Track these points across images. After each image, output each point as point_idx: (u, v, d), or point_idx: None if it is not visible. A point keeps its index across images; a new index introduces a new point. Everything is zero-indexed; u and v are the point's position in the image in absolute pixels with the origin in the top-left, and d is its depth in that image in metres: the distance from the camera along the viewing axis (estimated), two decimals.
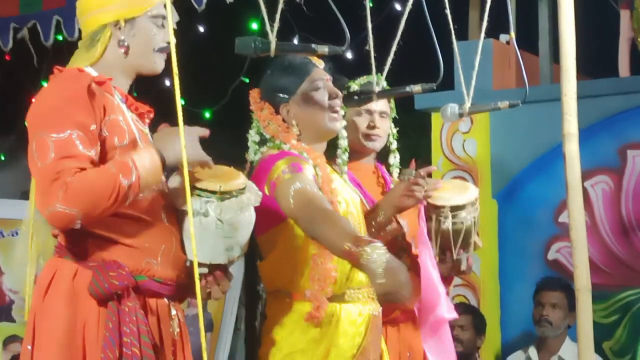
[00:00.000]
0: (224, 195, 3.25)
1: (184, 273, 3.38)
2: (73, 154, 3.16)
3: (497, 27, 4.57)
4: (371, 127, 4.17)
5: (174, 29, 3.22)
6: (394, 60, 3.76)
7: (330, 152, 4.02)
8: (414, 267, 4.02)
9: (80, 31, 3.52)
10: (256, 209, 3.57)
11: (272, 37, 3.43)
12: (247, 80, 5.86)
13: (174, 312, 3.40)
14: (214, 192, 3.26)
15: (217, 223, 3.26)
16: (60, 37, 5.88)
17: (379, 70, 3.83)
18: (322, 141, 3.79)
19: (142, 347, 3.20)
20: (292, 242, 3.64)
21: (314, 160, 3.66)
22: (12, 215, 5.88)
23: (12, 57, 5.84)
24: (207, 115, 6.75)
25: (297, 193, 3.50)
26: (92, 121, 3.22)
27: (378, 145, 4.25)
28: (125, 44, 3.38)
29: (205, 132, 3.30)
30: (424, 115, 6.00)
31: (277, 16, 3.44)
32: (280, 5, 3.48)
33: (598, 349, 4.93)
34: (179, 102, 2.96)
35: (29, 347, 3.30)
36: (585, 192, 4.31)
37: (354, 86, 4.13)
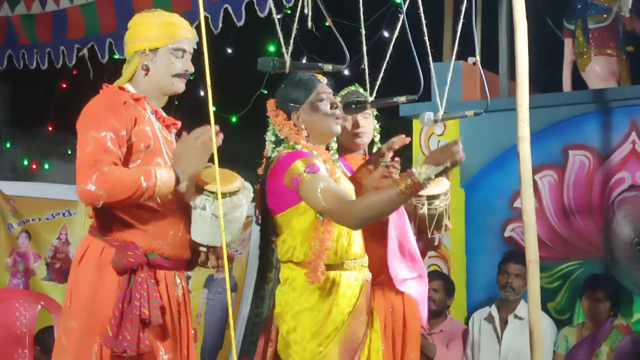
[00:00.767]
0: (216, 195, 3.30)
1: (188, 251, 3.47)
2: (106, 150, 3.24)
3: (465, 51, 4.57)
4: (356, 126, 4.17)
5: (198, 50, 3.26)
6: (384, 76, 3.76)
7: None
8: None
9: None
10: (274, 194, 3.63)
11: (287, 57, 3.42)
12: (266, 92, 5.85)
13: (178, 280, 3.47)
14: (212, 192, 3.33)
15: (212, 216, 3.35)
16: (115, 56, 5.86)
17: (372, 84, 3.82)
18: (325, 141, 3.78)
19: (151, 308, 3.26)
20: (302, 221, 3.63)
21: (322, 156, 3.67)
22: (75, 198, 5.88)
23: (78, 72, 5.83)
24: (234, 119, 6.71)
25: (324, 192, 3.50)
26: (122, 128, 3.29)
27: (365, 140, 4.23)
28: (147, 67, 3.44)
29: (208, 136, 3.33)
30: (407, 121, 5.99)
31: (291, 41, 3.44)
32: (294, 32, 3.48)
33: (544, 308, 4.95)
34: (211, 108, 2.97)
35: (68, 304, 3.38)
36: (534, 183, 4.32)
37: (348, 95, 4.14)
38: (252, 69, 3.57)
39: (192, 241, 3.46)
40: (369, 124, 4.20)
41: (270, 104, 3.77)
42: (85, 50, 5.93)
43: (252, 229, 6.28)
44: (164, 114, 3.53)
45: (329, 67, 3.58)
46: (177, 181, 3.30)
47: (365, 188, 3.99)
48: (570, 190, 5.72)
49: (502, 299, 5.52)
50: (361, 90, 4.06)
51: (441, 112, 3.92)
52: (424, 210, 4.00)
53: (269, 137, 3.75)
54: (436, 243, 4.22)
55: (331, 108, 3.72)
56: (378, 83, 3.82)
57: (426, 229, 4.07)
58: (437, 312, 5.54)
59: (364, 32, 3.65)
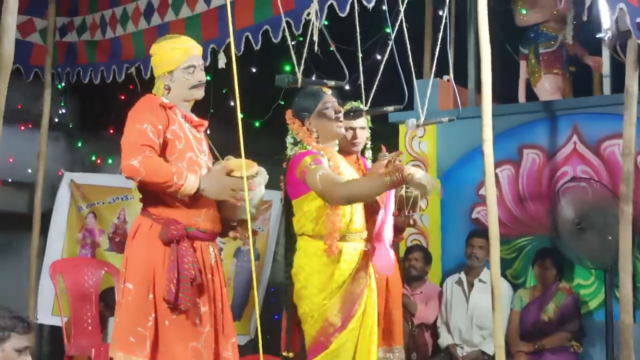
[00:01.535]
0: (241, 179, 3.33)
1: (218, 225, 3.50)
2: (147, 138, 3.28)
3: (441, 70, 4.57)
4: (355, 137, 4.17)
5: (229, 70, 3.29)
6: (376, 90, 3.78)
7: None
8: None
9: None
10: (290, 185, 3.69)
11: (299, 75, 3.46)
12: (282, 102, 5.85)
13: (211, 249, 3.49)
14: (237, 177, 3.35)
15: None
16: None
17: (367, 96, 3.84)
18: (332, 141, 3.81)
19: (193, 270, 3.30)
20: (311, 206, 3.66)
21: (327, 154, 3.70)
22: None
23: (133, 87, 5.87)
24: (257, 124, 6.70)
25: (322, 177, 3.55)
26: (159, 123, 3.35)
27: (359, 148, 4.23)
28: (168, 87, 3.49)
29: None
30: (395, 126, 5.98)
31: (302, 62, 3.47)
32: (304, 55, 3.51)
33: (503, 274, 4.94)
34: (239, 115, 3.00)
35: (124, 270, 3.42)
36: (496, 176, 4.33)
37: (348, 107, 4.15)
38: (271, 84, 3.61)
39: (222, 217, 3.50)
40: (363, 136, 4.22)
41: (288, 114, 3.81)
42: (133, 69, 5.95)
43: (271, 211, 6.31)
44: (193, 117, 3.56)
45: (332, 83, 3.64)
46: (198, 191, 3.31)
47: (369, 172, 4.02)
48: (524, 181, 5.73)
49: (469, 266, 5.53)
50: (361, 105, 4.07)
51: (422, 119, 3.94)
52: (402, 192, 4.02)
53: (289, 139, 3.80)
54: (411, 222, 4.22)
55: (335, 114, 3.75)
56: (371, 95, 3.85)
57: (403, 208, 4.10)
58: (418, 277, 5.57)
59: (360, 55, 3.68)
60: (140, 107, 3.41)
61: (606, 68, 5.77)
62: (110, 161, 7.68)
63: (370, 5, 4.09)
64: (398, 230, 4.17)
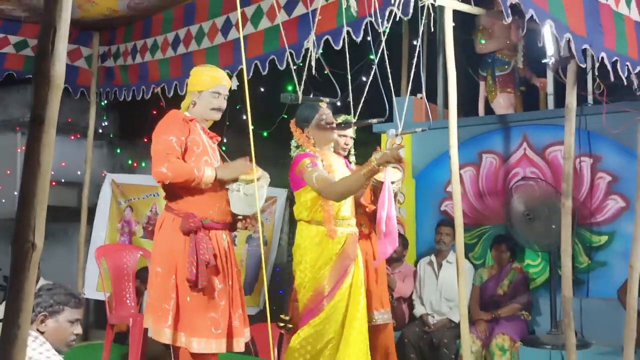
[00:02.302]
0: (247, 181, 3.35)
1: (229, 217, 3.52)
2: (172, 148, 3.32)
3: (415, 89, 4.58)
4: (345, 144, 4.18)
5: (241, 90, 3.30)
6: (362, 106, 3.78)
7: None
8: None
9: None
10: (292, 180, 3.71)
11: (300, 94, 3.46)
12: (286, 116, 5.86)
13: (224, 236, 3.52)
14: (243, 180, 3.38)
15: (244, 195, 3.40)
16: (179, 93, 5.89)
17: (355, 111, 3.84)
18: (327, 146, 3.83)
19: (208, 255, 3.32)
20: (307, 197, 3.69)
21: (322, 156, 3.71)
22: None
23: (164, 103, 5.85)
24: (265, 134, 6.71)
25: (317, 178, 3.57)
26: (182, 135, 3.38)
27: (346, 152, 4.26)
28: (195, 102, 3.48)
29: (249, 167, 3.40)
30: (377, 135, 5.99)
31: (302, 82, 3.47)
32: (304, 78, 3.51)
33: (466, 256, 4.97)
34: (250, 127, 3.00)
35: (153, 256, 3.46)
36: (460, 175, 4.33)
37: (340, 119, 4.16)
38: (276, 101, 3.61)
39: (231, 212, 3.50)
40: (351, 143, 4.25)
41: (292, 123, 3.85)
42: (158, 89, 5.95)
43: (276, 205, 6.31)
44: (209, 131, 3.59)
45: (326, 99, 3.64)
46: (215, 177, 3.35)
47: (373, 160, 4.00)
48: (483, 180, 5.74)
49: (438, 250, 5.53)
50: (349, 118, 4.08)
51: (400, 129, 3.94)
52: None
53: (293, 143, 3.84)
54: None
55: (329, 124, 3.76)
56: (359, 110, 3.85)
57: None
58: (397, 259, 5.57)
59: (349, 77, 3.67)
60: (166, 121, 3.44)
61: (550, 87, 5.79)
62: (143, 164, 7.69)
63: (358, 40, 4.10)
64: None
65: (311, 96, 3.68)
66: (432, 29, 4.10)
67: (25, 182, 1.40)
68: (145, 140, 7.15)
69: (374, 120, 3.93)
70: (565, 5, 3.46)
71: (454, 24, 4.12)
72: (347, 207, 3.76)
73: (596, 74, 4.58)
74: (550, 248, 4.99)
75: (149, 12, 5.80)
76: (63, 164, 7.16)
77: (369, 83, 3.66)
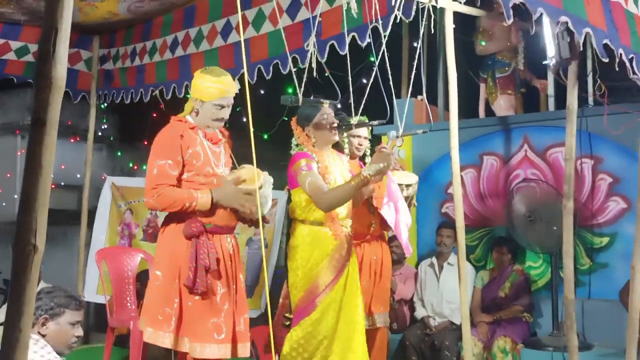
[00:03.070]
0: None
1: (234, 220, 3.48)
2: (166, 175, 3.28)
3: (416, 91, 4.58)
4: (358, 144, 4.21)
5: (242, 93, 3.29)
6: (363, 108, 3.78)
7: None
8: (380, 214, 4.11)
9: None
10: (288, 178, 3.73)
11: (300, 96, 3.45)
12: (286, 119, 5.86)
13: (229, 239, 3.48)
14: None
15: None
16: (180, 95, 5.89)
17: (356, 113, 3.84)
18: (327, 146, 3.82)
19: (209, 259, 3.30)
20: (301, 196, 3.68)
21: (318, 157, 3.71)
22: None
23: (164, 106, 5.86)
24: (265, 136, 6.71)
25: (310, 184, 3.56)
26: (179, 154, 3.32)
27: (360, 153, 4.28)
28: (197, 110, 3.44)
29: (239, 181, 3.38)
30: (378, 136, 5.97)
31: (303, 84, 3.47)
32: (304, 80, 3.50)
33: (467, 258, 4.96)
34: (251, 129, 2.99)
35: (155, 260, 3.44)
36: (461, 177, 4.33)
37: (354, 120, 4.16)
38: (277, 103, 3.60)
39: (237, 215, 3.46)
40: (365, 143, 4.27)
41: (293, 121, 3.84)
42: (157, 92, 5.95)
43: (277, 208, 6.30)
44: (214, 134, 3.50)
45: (327, 101, 3.63)
46: (212, 202, 3.32)
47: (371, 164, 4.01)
48: (484, 182, 5.74)
49: (439, 252, 5.51)
50: (351, 120, 4.05)
51: (401, 131, 3.94)
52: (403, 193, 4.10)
53: (294, 141, 3.83)
54: None
55: (330, 125, 3.75)
56: (360, 112, 3.85)
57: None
58: (398, 261, 5.55)
59: (350, 79, 3.67)
60: (162, 139, 3.36)
61: (551, 89, 5.79)
62: (144, 167, 7.67)
63: (364, 45, 4.11)
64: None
65: (311, 98, 3.67)
66: (433, 31, 4.10)
67: (26, 184, 1.40)
68: (145, 143, 7.15)
69: (375, 122, 3.93)
70: (584, 0, 3.42)
71: (454, 26, 4.12)
72: (343, 207, 3.75)
73: (597, 74, 4.57)
74: (551, 250, 4.99)
75: (149, 15, 5.80)
76: (63, 167, 7.16)
77: (369, 85, 3.66)
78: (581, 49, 3.57)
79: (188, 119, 3.45)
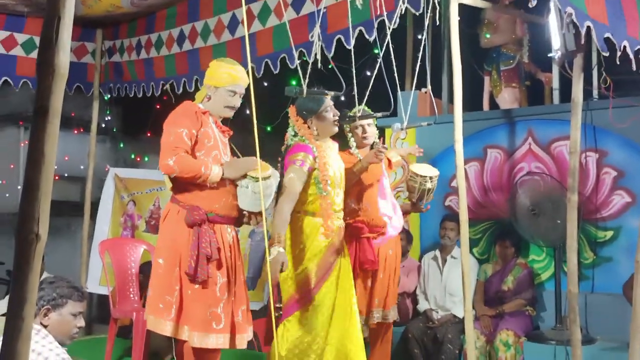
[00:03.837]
0: (256, 179, 3.33)
1: (235, 211, 3.48)
2: (182, 141, 3.29)
3: (420, 83, 4.55)
4: (364, 132, 4.20)
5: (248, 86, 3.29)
6: (367, 100, 3.77)
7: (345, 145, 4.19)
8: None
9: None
10: (285, 166, 3.65)
11: (304, 87, 3.44)
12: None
13: (229, 230, 3.50)
14: (252, 177, 3.35)
15: (252, 193, 3.38)
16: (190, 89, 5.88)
17: (360, 104, 3.83)
18: (328, 137, 3.79)
19: (211, 248, 3.32)
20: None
21: (319, 150, 3.67)
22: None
23: (167, 98, 5.85)
24: (269, 128, 6.70)
25: (289, 180, 3.53)
26: (193, 127, 3.36)
27: (369, 141, 4.26)
28: (209, 97, 3.46)
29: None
30: (382, 129, 5.98)
31: (307, 76, 3.45)
32: (308, 71, 3.49)
33: (470, 251, 4.94)
34: (255, 121, 2.99)
35: (157, 248, 3.45)
36: (465, 170, 4.33)
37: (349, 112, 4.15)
38: (281, 95, 3.59)
39: (238, 207, 3.48)
40: (372, 131, 4.24)
41: (292, 110, 3.77)
42: (167, 86, 5.95)
43: None
44: (221, 125, 3.56)
45: (331, 93, 3.61)
46: (222, 175, 3.35)
47: (360, 161, 4.04)
48: (488, 175, 5.73)
49: (442, 245, 5.51)
50: (367, 108, 4.06)
51: (405, 124, 3.93)
52: (412, 183, 4.20)
53: (290, 131, 3.77)
54: (422, 207, 4.43)
55: (332, 117, 3.73)
56: (364, 104, 3.84)
57: (422, 197, 4.31)
58: (401, 254, 5.55)
59: (354, 71, 3.66)
60: (179, 112, 3.42)
61: (555, 82, 5.77)
62: (146, 159, 7.69)
63: (371, 39, 4.10)
64: (403, 213, 4.30)
65: (315, 89, 3.66)
66: (438, 23, 4.08)
67: (29, 172, 1.39)
68: (149, 134, 7.15)
69: (379, 115, 3.91)
70: None
71: (459, 18, 4.10)
72: (339, 198, 3.73)
73: (603, 67, 4.55)
74: (555, 243, 4.98)
75: (152, 8, 5.78)
76: (66, 158, 7.17)
77: (373, 77, 3.64)
78: (583, 41, 3.54)
79: (200, 105, 3.48)
